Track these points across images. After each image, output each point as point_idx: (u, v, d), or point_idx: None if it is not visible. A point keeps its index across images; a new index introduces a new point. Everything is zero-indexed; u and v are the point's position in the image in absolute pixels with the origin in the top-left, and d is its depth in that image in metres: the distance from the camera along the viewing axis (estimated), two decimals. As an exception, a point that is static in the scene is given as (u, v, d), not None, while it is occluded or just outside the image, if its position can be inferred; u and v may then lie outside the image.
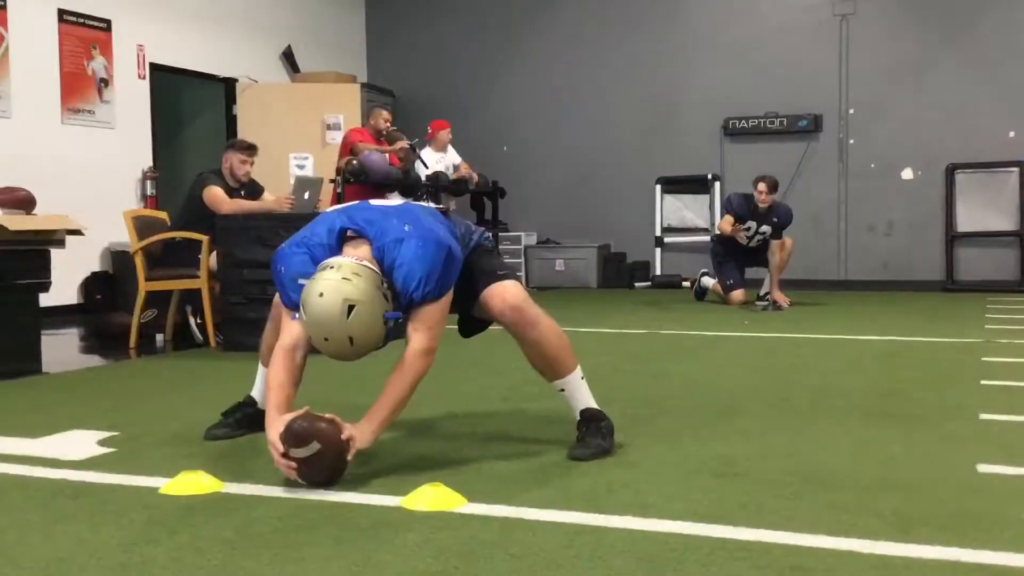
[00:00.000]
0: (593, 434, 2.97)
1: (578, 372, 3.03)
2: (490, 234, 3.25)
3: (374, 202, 3.02)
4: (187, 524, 2.32)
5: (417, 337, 2.77)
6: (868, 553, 2.08)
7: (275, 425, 2.61)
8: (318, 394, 4.06)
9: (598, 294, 10.04)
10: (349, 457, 2.63)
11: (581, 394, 3.04)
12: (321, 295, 2.59)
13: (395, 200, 3.02)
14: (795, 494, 2.51)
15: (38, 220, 5.02)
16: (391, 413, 2.76)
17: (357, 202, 3.04)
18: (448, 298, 2.82)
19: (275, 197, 6.08)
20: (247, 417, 3.30)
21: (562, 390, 3.04)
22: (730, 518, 2.31)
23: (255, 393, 3.32)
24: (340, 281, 2.60)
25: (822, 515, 2.33)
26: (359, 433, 2.66)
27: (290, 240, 2.90)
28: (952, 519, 2.30)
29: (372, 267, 2.69)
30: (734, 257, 8.13)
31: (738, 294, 8.10)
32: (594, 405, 3.04)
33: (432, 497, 2.43)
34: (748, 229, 8.07)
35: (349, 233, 2.81)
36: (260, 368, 3.27)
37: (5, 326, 4.77)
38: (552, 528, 2.26)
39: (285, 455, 2.55)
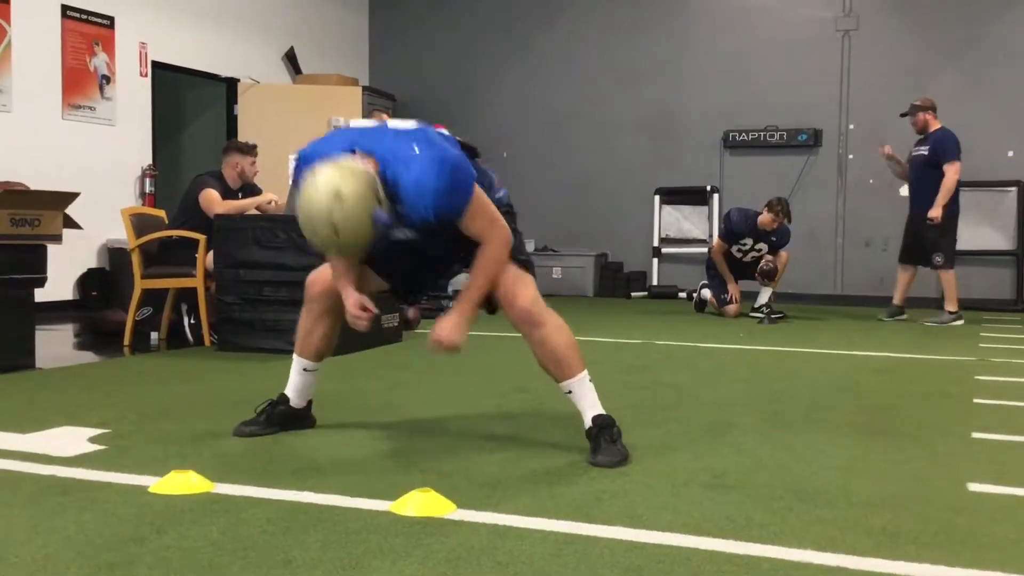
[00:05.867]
0: (610, 440, 2.99)
1: (585, 375, 3.04)
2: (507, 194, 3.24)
3: (391, 123, 3.08)
4: (175, 524, 2.32)
5: (489, 240, 2.91)
6: (856, 569, 2.08)
7: (351, 295, 3.03)
8: (328, 393, 4.06)
9: (594, 303, 10.04)
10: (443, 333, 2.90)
11: (590, 398, 3.05)
12: (313, 182, 2.70)
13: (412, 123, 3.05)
14: (784, 508, 2.51)
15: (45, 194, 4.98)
16: (481, 297, 2.95)
17: (375, 125, 3.11)
18: (479, 193, 2.89)
19: (270, 196, 6.12)
20: (279, 415, 3.33)
21: (569, 392, 3.05)
22: (719, 531, 2.31)
23: (288, 391, 3.36)
24: (333, 170, 2.70)
25: (811, 530, 2.33)
26: (460, 308, 2.93)
27: (311, 145, 2.99)
28: (941, 537, 2.30)
29: (372, 172, 2.75)
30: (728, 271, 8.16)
31: (734, 307, 8.12)
32: (603, 411, 3.04)
33: (421, 502, 2.42)
34: (744, 245, 8.10)
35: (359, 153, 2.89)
36: (295, 360, 3.34)
37: (0, 320, 4.77)
38: (541, 537, 2.25)
39: (367, 309, 2.99)
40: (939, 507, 2.55)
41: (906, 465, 3.01)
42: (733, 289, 8.12)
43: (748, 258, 8.15)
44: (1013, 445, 3.36)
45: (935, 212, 7.69)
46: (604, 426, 3.00)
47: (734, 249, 8.14)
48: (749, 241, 8.06)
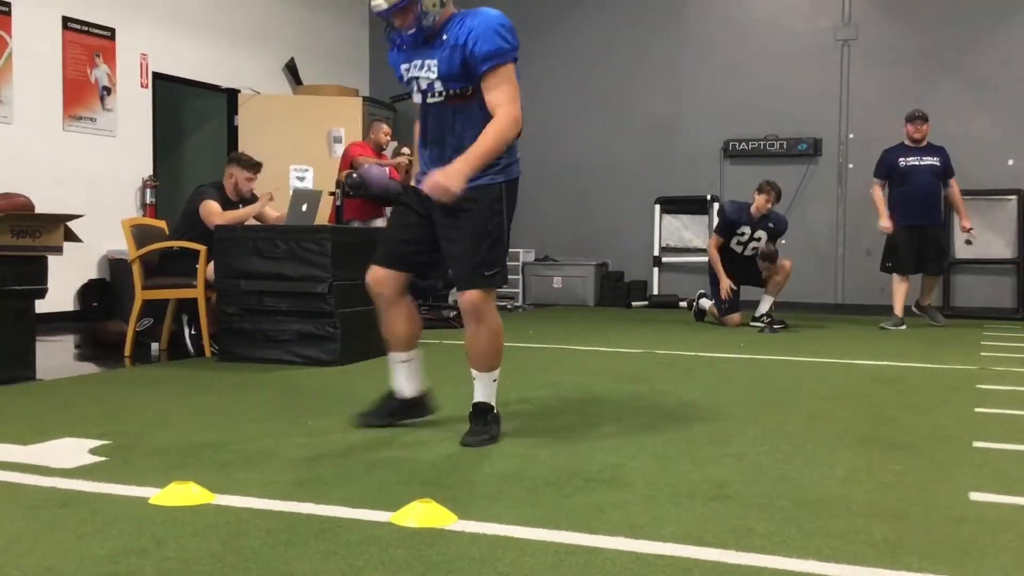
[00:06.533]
0: (481, 424, 3.42)
1: (495, 373, 3.47)
2: None
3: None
4: (175, 536, 2.31)
5: (501, 111, 3.23)
6: (858, 580, 2.07)
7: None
8: (329, 403, 4.07)
9: (595, 312, 10.04)
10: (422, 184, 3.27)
11: (485, 389, 3.47)
12: None
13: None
14: (786, 519, 2.51)
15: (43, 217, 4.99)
16: (481, 157, 3.21)
17: None
18: (513, 71, 3.26)
19: (265, 203, 6.13)
20: (392, 407, 3.65)
21: (474, 378, 3.48)
22: (720, 541, 2.30)
23: (394, 386, 3.66)
24: None
25: (812, 540, 2.33)
26: (463, 160, 3.18)
27: None
28: (943, 547, 2.29)
29: None
30: (730, 276, 8.14)
31: (734, 317, 8.12)
32: (484, 399, 3.46)
33: (422, 513, 2.42)
34: (742, 235, 8.08)
35: None
36: (388, 359, 3.64)
37: (0, 332, 4.76)
38: (542, 548, 2.25)
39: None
40: (941, 517, 2.54)
41: (908, 475, 3.01)
42: (726, 284, 8.04)
43: (749, 250, 8.12)
44: (1015, 454, 3.36)
45: (970, 223, 8.23)
46: (481, 411, 3.44)
47: (733, 242, 8.11)
48: (747, 230, 8.06)
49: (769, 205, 7.99)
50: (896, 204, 8.14)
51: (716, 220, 8.29)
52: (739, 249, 8.15)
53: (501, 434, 3.46)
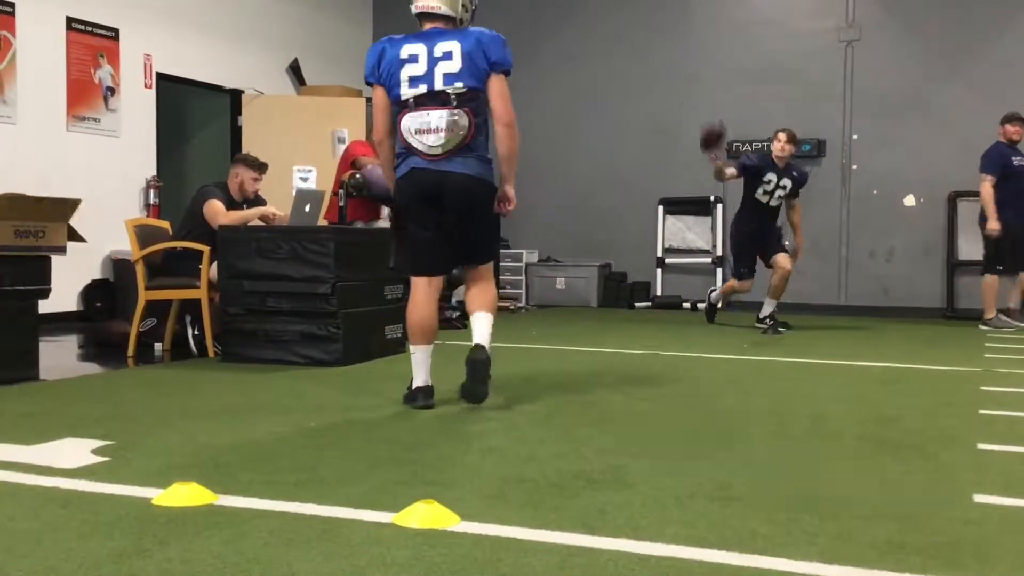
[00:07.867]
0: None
1: (411, 349, 4.14)
2: None
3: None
4: (178, 536, 2.31)
5: None
6: (861, 582, 2.07)
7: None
8: (330, 404, 4.08)
9: (598, 313, 10.03)
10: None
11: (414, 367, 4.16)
12: None
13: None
14: (789, 520, 2.50)
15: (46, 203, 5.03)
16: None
17: None
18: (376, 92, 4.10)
19: (273, 209, 6.13)
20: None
21: None
22: (724, 543, 2.30)
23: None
24: None
25: (816, 542, 2.32)
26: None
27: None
28: (947, 549, 2.28)
29: None
30: (752, 240, 7.94)
31: (748, 284, 7.98)
32: (416, 381, 4.13)
33: (425, 514, 2.41)
34: (768, 182, 7.90)
35: None
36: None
37: (3, 332, 4.76)
38: (545, 549, 2.24)
39: None
40: (945, 519, 2.54)
41: (911, 476, 3.00)
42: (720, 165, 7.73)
43: (775, 199, 7.88)
44: (1020, 456, 3.35)
45: None
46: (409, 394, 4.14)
47: (760, 192, 7.86)
48: (772, 177, 7.79)
49: (788, 147, 7.81)
50: (1008, 203, 8.07)
51: (737, 169, 7.99)
52: (765, 199, 7.87)
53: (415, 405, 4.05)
